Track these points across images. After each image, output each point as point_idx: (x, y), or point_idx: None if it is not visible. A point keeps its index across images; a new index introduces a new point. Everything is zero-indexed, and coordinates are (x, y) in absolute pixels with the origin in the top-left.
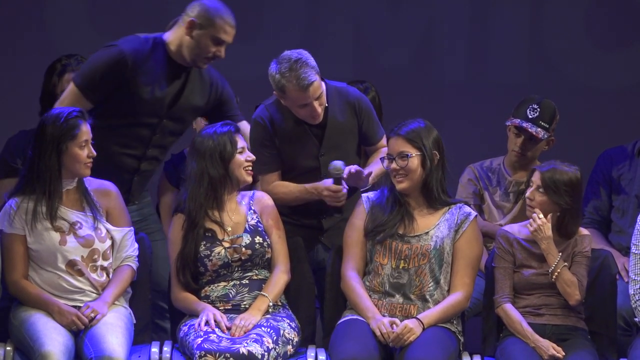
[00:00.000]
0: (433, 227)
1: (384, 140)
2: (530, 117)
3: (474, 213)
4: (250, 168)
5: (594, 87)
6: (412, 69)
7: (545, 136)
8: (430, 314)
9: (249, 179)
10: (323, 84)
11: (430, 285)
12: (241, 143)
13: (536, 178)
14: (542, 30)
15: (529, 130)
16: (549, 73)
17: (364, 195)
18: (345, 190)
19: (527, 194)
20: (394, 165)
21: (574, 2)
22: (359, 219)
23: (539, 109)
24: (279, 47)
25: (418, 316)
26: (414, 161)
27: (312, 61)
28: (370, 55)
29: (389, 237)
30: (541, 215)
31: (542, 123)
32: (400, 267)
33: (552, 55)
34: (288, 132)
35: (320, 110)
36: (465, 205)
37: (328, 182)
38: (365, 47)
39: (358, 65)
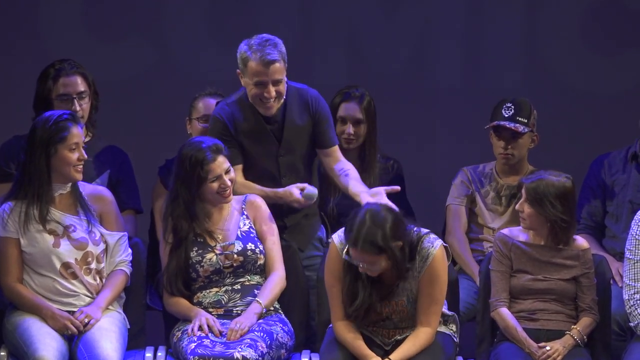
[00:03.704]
0: (402, 279)
1: (337, 148)
2: (506, 115)
3: (436, 245)
4: (227, 191)
5: (588, 92)
6: (406, 75)
7: (526, 130)
8: (402, 353)
9: (227, 200)
10: (285, 77)
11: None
12: (217, 171)
13: (523, 190)
14: (537, 35)
15: (508, 126)
16: (544, 78)
17: (335, 238)
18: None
19: (517, 206)
20: (362, 268)
21: (569, 7)
22: (336, 262)
23: (513, 107)
24: None
25: (390, 356)
26: (382, 262)
27: (282, 48)
28: (365, 61)
29: (370, 310)
30: (548, 348)
31: (520, 119)
32: (384, 317)
33: (547, 60)
34: (248, 131)
35: (274, 94)
36: (427, 239)
37: (296, 193)
38: (359, 52)
39: (352, 71)
